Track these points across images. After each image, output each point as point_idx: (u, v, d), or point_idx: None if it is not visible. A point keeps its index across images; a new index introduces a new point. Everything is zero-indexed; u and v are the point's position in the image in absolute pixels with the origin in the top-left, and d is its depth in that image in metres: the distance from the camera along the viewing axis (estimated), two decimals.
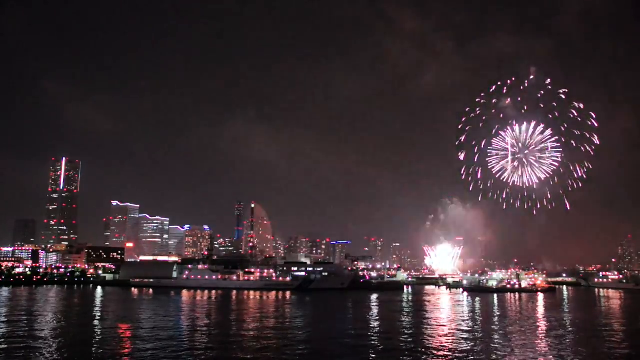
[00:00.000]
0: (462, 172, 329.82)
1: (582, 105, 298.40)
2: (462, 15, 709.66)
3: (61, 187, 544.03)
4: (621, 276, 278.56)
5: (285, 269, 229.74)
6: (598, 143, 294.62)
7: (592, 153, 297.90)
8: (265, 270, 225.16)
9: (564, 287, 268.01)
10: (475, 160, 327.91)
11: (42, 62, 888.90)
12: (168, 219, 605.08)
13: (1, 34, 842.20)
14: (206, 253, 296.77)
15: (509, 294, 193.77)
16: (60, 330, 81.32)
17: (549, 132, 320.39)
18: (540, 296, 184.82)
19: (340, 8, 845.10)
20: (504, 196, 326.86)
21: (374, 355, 62.46)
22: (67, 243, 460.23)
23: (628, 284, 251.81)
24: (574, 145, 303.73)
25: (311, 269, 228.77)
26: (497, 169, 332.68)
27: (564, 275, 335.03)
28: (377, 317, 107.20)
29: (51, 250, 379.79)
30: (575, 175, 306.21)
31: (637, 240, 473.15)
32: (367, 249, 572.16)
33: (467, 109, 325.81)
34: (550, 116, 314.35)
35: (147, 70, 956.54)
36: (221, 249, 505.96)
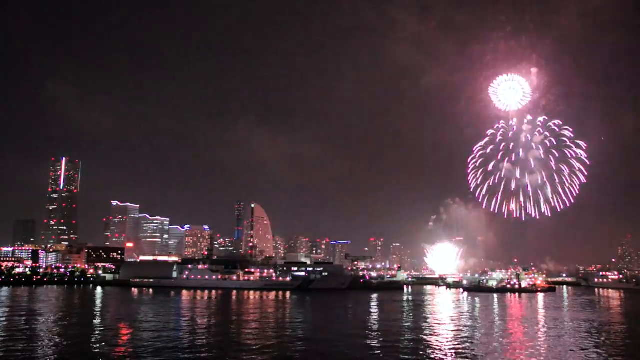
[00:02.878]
0: (467, 176, 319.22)
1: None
2: (463, 16, 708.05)
3: (61, 187, 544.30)
4: (621, 276, 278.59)
5: (285, 269, 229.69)
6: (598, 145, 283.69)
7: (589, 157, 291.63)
8: (265, 270, 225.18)
9: (564, 287, 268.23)
10: (477, 165, 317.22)
11: (43, 62, 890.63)
12: (168, 219, 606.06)
13: (3, 34, 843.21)
14: (206, 253, 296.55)
15: (509, 294, 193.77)
16: (60, 331, 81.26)
17: (568, 132, 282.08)
18: (540, 296, 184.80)
19: (341, 9, 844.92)
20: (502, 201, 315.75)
21: (374, 356, 62.43)
22: (67, 243, 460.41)
23: (628, 284, 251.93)
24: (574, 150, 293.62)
25: (311, 269, 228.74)
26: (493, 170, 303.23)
27: (564, 275, 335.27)
28: (377, 317, 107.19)
29: (51, 250, 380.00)
30: (577, 180, 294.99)
31: (637, 240, 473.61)
32: (367, 249, 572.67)
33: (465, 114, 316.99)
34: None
35: (147, 71, 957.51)
36: (221, 249, 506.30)
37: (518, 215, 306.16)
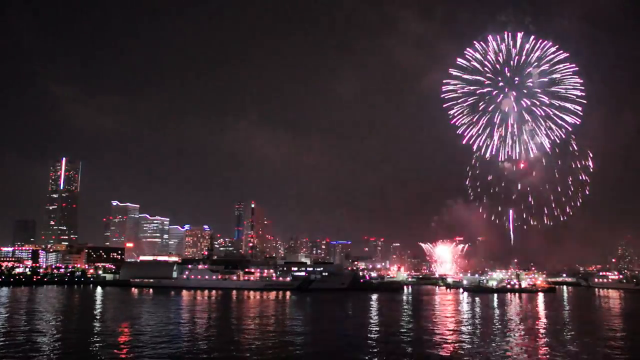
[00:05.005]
0: (467, 180, 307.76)
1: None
2: (465, 16, 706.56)
3: (61, 187, 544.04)
4: (621, 276, 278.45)
5: (285, 269, 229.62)
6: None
7: (591, 157, 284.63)
8: (265, 270, 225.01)
9: (564, 287, 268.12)
10: (476, 173, 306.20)
11: (44, 62, 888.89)
12: (168, 219, 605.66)
13: (5, 34, 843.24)
14: (206, 253, 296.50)
15: (509, 294, 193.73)
16: (60, 331, 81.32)
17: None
18: (540, 296, 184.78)
19: (343, 9, 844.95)
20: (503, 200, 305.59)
21: (374, 356, 62.45)
22: (67, 243, 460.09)
23: (628, 284, 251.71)
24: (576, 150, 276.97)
25: (311, 269, 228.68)
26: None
27: (564, 275, 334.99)
28: (377, 317, 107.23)
29: (51, 250, 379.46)
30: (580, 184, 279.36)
31: (637, 240, 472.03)
32: (367, 249, 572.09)
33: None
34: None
35: (148, 71, 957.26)
36: (221, 249, 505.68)
37: (520, 223, 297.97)
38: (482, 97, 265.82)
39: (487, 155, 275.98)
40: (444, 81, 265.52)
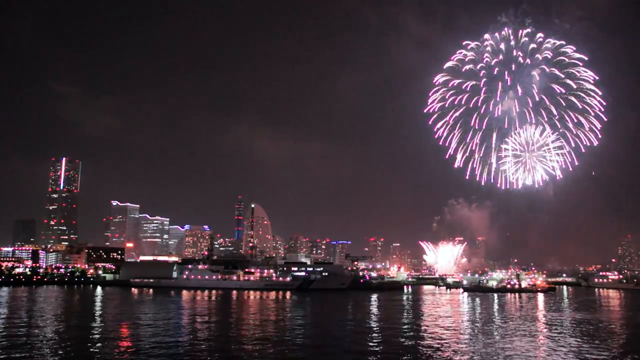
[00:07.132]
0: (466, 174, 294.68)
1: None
2: (465, 18, 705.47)
3: (61, 187, 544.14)
4: (621, 276, 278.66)
5: (285, 269, 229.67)
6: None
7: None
8: (265, 270, 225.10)
9: (564, 287, 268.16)
10: (476, 164, 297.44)
11: (45, 62, 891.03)
12: (168, 219, 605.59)
13: (6, 34, 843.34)
14: (206, 253, 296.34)
15: (509, 294, 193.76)
16: (60, 331, 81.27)
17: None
18: (540, 296, 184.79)
19: (344, 11, 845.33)
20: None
21: (374, 356, 62.44)
22: (67, 243, 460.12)
23: (628, 284, 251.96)
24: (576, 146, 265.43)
25: (311, 269, 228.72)
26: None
27: (564, 275, 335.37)
28: (377, 317, 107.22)
29: (51, 250, 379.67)
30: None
31: (637, 240, 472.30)
32: (367, 249, 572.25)
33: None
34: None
35: (148, 71, 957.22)
36: (221, 249, 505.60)
37: (520, 224, 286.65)
38: (476, 109, 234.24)
39: (482, 182, 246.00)
40: (430, 92, 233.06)
